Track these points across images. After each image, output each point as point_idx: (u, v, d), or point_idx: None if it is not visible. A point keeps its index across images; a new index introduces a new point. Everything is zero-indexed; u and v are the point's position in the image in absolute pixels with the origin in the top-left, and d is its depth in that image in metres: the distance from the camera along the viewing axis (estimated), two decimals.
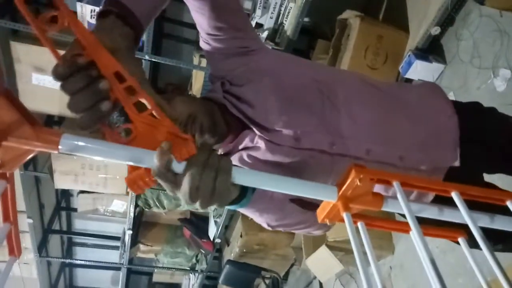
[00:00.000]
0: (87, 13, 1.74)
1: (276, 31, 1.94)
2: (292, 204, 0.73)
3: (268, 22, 1.88)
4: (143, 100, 0.44)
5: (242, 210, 0.68)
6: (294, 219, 0.75)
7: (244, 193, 0.61)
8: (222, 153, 0.82)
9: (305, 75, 0.80)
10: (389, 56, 2.13)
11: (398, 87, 0.92)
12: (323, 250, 2.28)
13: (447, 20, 1.96)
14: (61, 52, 0.45)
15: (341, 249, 2.28)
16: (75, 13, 1.79)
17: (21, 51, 1.80)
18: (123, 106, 0.44)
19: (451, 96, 1.94)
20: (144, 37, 1.78)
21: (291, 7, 1.86)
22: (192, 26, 2.38)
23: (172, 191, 0.45)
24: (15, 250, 0.44)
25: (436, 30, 1.95)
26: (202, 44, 0.81)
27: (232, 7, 0.76)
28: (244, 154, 0.79)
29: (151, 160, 0.42)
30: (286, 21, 1.90)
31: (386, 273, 2.27)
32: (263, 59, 0.81)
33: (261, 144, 0.76)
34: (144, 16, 0.56)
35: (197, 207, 0.46)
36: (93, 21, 1.76)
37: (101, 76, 0.44)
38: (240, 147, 0.79)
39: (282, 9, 1.88)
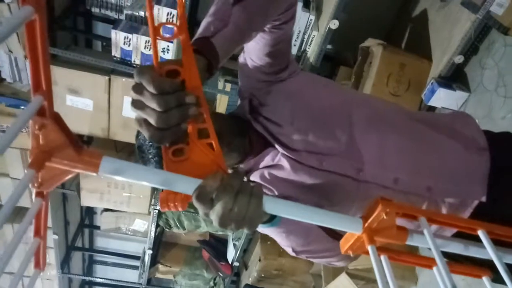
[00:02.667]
0: (120, 40, 1.84)
1: (299, 58, 1.99)
2: (319, 231, 0.73)
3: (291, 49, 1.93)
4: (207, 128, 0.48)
5: (270, 231, 0.69)
6: (320, 246, 0.75)
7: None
8: (244, 169, 0.83)
9: (335, 98, 0.81)
10: (412, 84, 2.13)
11: (429, 116, 0.91)
12: (343, 278, 2.23)
13: (471, 49, 1.96)
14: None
15: (362, 278, 2.22)
16: (109, 39, 1.90)
17: (58, 74, 1.90)
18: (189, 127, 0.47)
19: None
20: None
21: (314, 35, 1.91)
22: None
23: (206, 214, 0.47)
24: (40, 264, 0.46)
25: (459, 59, 1.95)
26: (241, 59, 0.82)
27: (287, 48, 0.79)
28: (266, 172, 0.80)
29: (184, 187, 0.44)
30: (309, 48, 1.95)
31: None
32: (294, 81, 0.82)
33: (283, 162, 0.76)
34: (224, 56, 0.60)
35: (227, 229, 0.48)
36: (126, 47, 1.85)
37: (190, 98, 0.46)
38: (262, 165, 0.80)
39: (306, 37, 1.93)
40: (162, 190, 0.46)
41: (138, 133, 0.76)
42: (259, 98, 0.81)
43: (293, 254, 0.76)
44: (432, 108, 2.10)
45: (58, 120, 0.39)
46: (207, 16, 0.63)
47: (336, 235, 0.74)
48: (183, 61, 0.47)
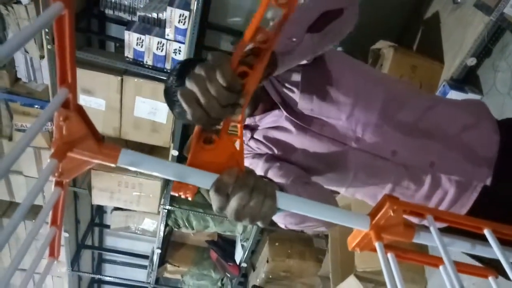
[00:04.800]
0: (133, 41, 1.87)
1: None
2: None
3: None
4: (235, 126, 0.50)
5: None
6: (311, 222, 0.78)
7: None
8: (246, 123, 0.86)
9: (348, 73, 0.83)
10: (423, 86, 2.12)
11: (443, 99, 0.94)
12: (351, 280, 2.21)
13: (483, 51, 1.94)
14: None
15: (371, 280, 2.21)
16: (122, 40, 1.93)
17: None
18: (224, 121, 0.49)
19: None
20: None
21: None
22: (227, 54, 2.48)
23: (221, 208, 0.49)
24: (55, 252, 0.48)
25: (472, 61, 1.93)
26: None
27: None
28: (268, 132, 0.84)
29: (197, 180, 0.46)
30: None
31: None
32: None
33: (286, 124, 0.81)
34: (280, 71, 0.63)
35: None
36: (139, 48, 1.88)
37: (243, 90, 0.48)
38: (264, 124, 0.84)
39: None
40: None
41: (168, 77, 0.82)
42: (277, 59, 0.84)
43: (284, 228, 0.79)
44: None
45: (81, 112, 0.41)
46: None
47: None
48: (255, 65, 0.48)
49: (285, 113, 0.80)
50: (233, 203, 0.47)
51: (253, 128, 0.87)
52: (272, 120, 0.83)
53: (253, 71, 0.48)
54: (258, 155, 0.86)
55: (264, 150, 0.86)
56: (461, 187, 0.80)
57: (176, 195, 0.47)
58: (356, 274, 2.20)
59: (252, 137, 0.87)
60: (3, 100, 2.24)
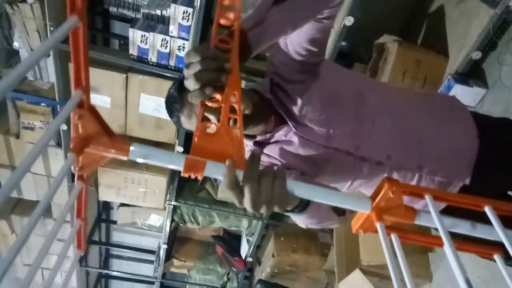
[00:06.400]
0: (137, 38, 1.88)
1: None
2: (329, 209, 0.81)
3: None
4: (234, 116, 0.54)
5: (299, 218, 0.75)
6: (326, 220, 0.82)
7: (306, 203, 0.69)
8: (258, 140, 0.91)
9: (346, 82, 0.90)
10: (428, 80, 2.11)
11: (429, 100, 0.98)
12: (356, 274, 2.22)
13: (489, 45, 1.93)
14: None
15: (376, 274, 2.22)
16: (126, 37, 1.94)
17: None
18: (222, 109, 0.54)
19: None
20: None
21: None
22: None
23: (239, 201, 0.52)
24: (82, 245, 0.50)
25: (477, 55, 1.93)
26: (281, 42, 0.86)
27: (326, 39, 0.84)
28: (277, 146, 0.89)
29: (206, 169, 0.48)
30: None
31: None
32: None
33: (294, 138, 0.86)
34: (256, 48, 0.68)
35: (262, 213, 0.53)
36: (143, 45, 1.89)
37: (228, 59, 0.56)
38: (275, 139, 0.89)
39: None
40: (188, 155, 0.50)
41: (170, 87, 0.88)
42: (283, 74, 0.87)
43: (304, 227, 0.84)
44: None
45: (94, 112, 0.45)
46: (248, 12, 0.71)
47: (342, 212, 0.83)
48: (231, 44, 0.57)
49: (292, 126, 0.85)
50: (247, 194, 0.50)
51: (263, 143, 0.91)
52: (281, 135, 0.88)
53: (231, 48, 0.57)
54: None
55: (274, 162, 0.91)
56: (443, 186, 0.88)
57: (187, 176, 0.48)
58: (361, 268, 2.21)
59: (263, 152, 0.92)
60: (10, 99, 2.27)
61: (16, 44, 2.19)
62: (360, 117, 0.86)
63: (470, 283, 0.33)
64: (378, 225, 0.37)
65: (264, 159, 0.92)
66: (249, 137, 0.91)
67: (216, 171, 0.48)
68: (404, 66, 2.08)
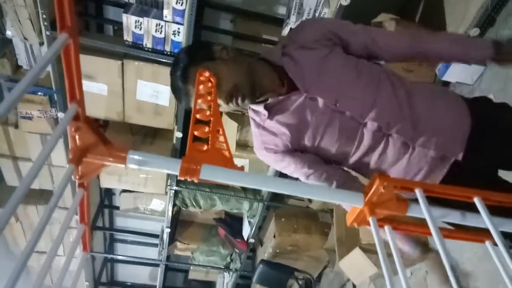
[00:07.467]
0: (132, 24, 1.86)
1: None
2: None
3: None
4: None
5: None
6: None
7: None
8: (270, 101, 0.95)
9: (358, 63, 0.96)
10: None
11: (427, 83, 1.08)
12: (356, 253, 2.28)
13: (487, 21, 1.91)
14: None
15: (375, 252, 2.27)
16: (120, 23, 1.92)
17: None
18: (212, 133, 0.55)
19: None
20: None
21: (325, 12, 1.89)
22: (226, 32, 2.46)
23: None
24: (87, 247, 0.53)
25: (475, 32, 1.91)
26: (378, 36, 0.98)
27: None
28: (287, 112, 0.94)
29: (204, 172, 0.49)
30: None
31: (422, 277, 2.24)
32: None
33: (306, 102, 0.91)
34: None
35: None
36: (138, 31, 1.87)
37: None
38: (283, 106, 0.94)
39: (316, 14, 1.91)
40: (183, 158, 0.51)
41: (172, 74, 0.93)
42: (300, 42, 0.96)
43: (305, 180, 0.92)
44: (446, 84, 2.07)
45: (89, 123, 0.46)
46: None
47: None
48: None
49: (303, 90, 0.90)
50: None
51: (274, 105, 0.95)
52: (294, 99, 0.92)
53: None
54: (275, 151, 0.97)
55: (280, 130, 0.95)
56: (436, 160, 0.92)
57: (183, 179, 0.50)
58: (361, 246, 2.26)
59: (268, 118, 0.96)
60: (7, 88, 2.26)
61: (9, 33, 2.16)
62: (367, 84, 0.91)
63: (455, 269, 0.35)
64: (370, 220, 0.38)
65: (272, 125, 0.96)
66: (260, 102, 0.95)
67: (211, 174, 0.49)
68: None
